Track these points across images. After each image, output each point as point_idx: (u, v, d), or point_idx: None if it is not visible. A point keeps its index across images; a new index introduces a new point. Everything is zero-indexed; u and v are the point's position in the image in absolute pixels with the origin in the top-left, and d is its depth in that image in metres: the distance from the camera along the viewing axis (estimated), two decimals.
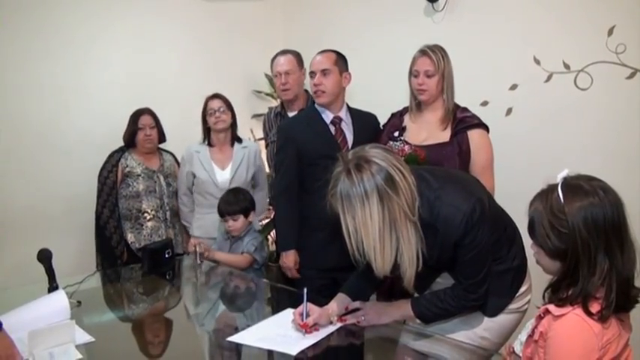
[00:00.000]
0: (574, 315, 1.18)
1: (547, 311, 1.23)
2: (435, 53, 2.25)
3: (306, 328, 1.68)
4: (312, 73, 2.47)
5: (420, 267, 1.55)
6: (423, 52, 2.28)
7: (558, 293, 1.24)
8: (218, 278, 2.56)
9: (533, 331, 1.28)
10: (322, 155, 2.26)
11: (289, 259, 2.51)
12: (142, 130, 3.14)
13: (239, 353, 1.67)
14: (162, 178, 3.17)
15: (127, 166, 3.13)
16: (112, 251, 3.09)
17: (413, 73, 2.29)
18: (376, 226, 1.46)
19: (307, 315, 1.70)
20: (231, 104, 3.08)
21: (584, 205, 1.19)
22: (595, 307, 1.17)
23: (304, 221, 2.48)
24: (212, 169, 3.03)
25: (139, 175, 3.12)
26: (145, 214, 3.11)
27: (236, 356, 1.67)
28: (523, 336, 1.36)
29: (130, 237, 3.11)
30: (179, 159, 3.26)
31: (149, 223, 3.12)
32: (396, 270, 1.56)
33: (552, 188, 1.25)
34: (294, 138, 2.48)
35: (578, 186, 1.22)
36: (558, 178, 1.26)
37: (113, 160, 3.15)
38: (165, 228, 3.15)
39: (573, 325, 1.17)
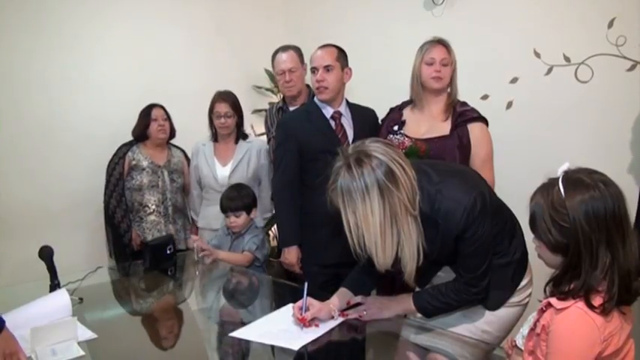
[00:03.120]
0: (576, 308, 1.18)
1: (549, 304, 1.23)
2: (447, 44, 2.26)
3: (304, 322, 1.68)
4: (315, 69, 2.44)
5: (420, 261, 1.55)
6: (438, 42, 2.27)
7: (560, 287, 1.23)
8: (220, 274, 2.56)
9: (535, 325, 1.28)
10: (323, 150, 2.24)
11: (291, 255, 2.50)
12: (155, 121, 3.17)
13: (241, 349, 1.67)
14: (166, 173, 3.19)
15: (134, 159, 3.16)
16: (120, 239, 3.14)
17: (426, 62, 2.25)
18: (377, 221, 1.46)
19: (307, 309, 1.70)
20: (239, 104, 3.07)
21: (585, 199, 1.18)
22: (597, 301, 1.17)
23: (306, 217, 2.47)
24: (214, 164, 3.06)
25: (144, 169, 3.15)
26: (146, 208, 3.14)
27: (238, 352, 1.67)
28: (525, 329, 1.36)
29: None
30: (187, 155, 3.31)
31: (149, 217, 3.15)
32: (397, 264, 1.56)
33: (553, 182, 1.25)
34: (294, 133, 2.47)
35: (579, 179, 1.21)
36: (559, 172, 1.25)
37: (121, 152, 3.19)
38: (165, 223, 3.17)
39: (576, 319, 1.17)
